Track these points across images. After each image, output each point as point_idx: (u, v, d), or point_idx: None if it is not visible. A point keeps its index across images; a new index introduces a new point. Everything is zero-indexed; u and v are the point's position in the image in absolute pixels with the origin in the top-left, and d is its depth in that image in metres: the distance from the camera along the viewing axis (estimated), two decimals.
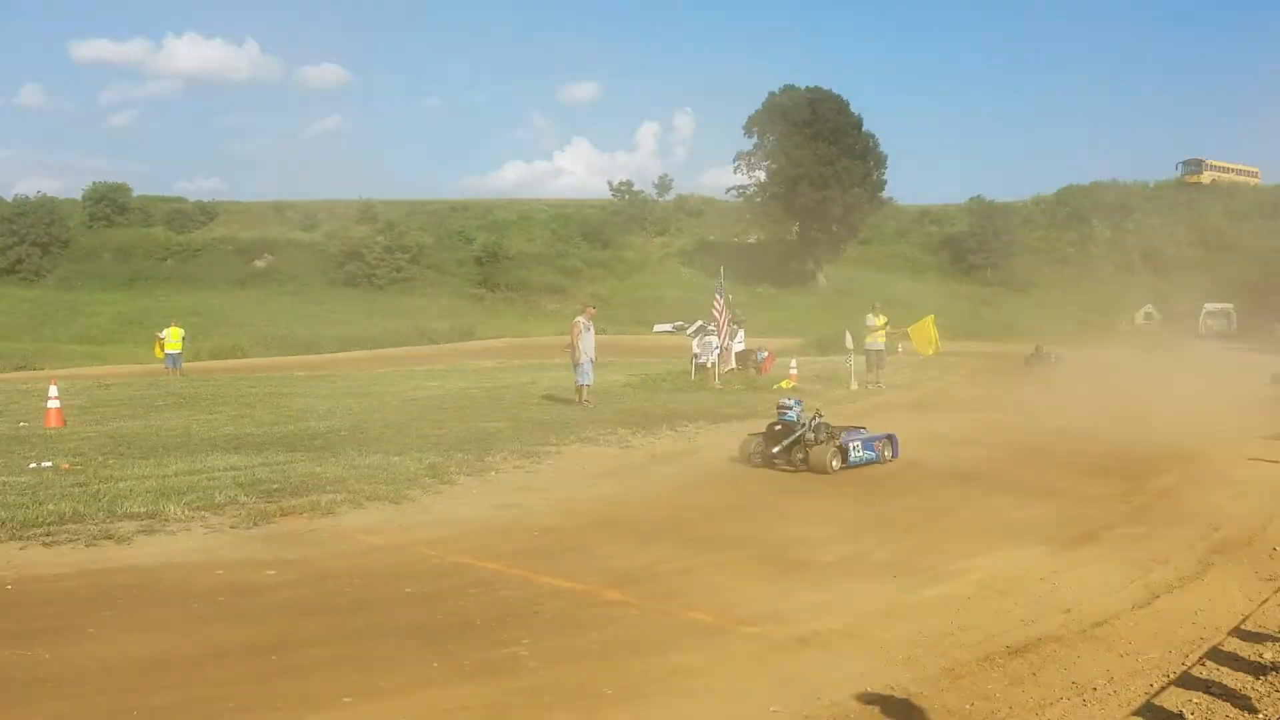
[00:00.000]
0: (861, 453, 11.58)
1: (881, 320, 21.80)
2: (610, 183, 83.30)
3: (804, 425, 11.45)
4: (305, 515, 8.58)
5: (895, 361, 24.81)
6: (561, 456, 11.97)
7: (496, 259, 71.53)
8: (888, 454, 11.90)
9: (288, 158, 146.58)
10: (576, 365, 17.28)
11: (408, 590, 6.52)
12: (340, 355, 41.35)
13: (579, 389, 17.36)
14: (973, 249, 74.17)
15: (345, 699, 4.73)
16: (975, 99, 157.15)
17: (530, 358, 35.39)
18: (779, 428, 11.46)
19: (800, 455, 11.20)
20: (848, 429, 12.08)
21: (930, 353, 23.15)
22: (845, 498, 9.99)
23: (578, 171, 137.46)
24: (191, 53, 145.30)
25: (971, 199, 79.27)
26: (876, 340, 21.69)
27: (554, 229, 79.98)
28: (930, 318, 23.07)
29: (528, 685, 4.96)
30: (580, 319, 17.50)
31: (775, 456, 11.31)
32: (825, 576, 7.05)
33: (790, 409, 11.71)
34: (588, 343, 17.23)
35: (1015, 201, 78.58)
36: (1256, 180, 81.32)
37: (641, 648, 5.49)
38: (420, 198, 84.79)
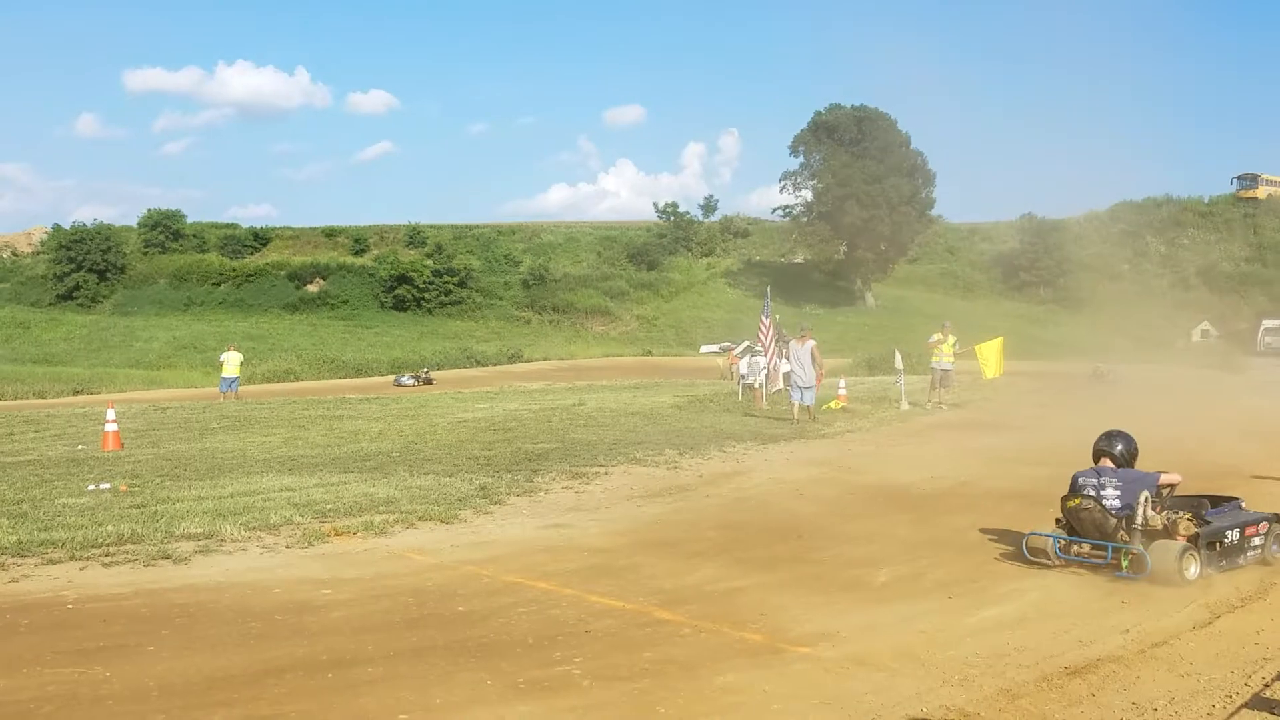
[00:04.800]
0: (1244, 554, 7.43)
1: (951, 340, 21.63)
2: (655, 204, 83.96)
3: (1131, 506, 7.34)
4: (359, 535, 8.67)
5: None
6: (610, 477, 12.00)
7: (543, 281, 72.03)
8: (1274, 547, 7.65)
9: (338, 183, 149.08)
10: (797, 387, 18.34)
11: (460, 609, 6.56)
12: (390, 378, 41.75)
13: (802, 408, 18.21)
14: (1024, 266, 73.55)
15: (401, 716, 4.76)
16: (1025, 115, 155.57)
17: (577, 379, 35.54)
18: (1085, 508, 7.49)
19: (1132, 553, 7.14)
20: (1208, 502, 7.82)
21: (992, 375, 23.15)
22: (899, 516, 9.88)
23: (623, 194, 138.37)
24: (243, 81, 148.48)
25: (1023, 216, 78.65)
26: (943, 360, 21.54)
27: (599, 251, 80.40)
28: (1000, 340, 23.20)
29: (581, 704, 4.96)
30: (793, 342, 18.95)
31: (1089, 555, 7.48)
32: (878, 596, 6.98)
33: (1105, 482, 7.56)
34: (801, 363, 18.27)
35: (1067, 218, 77.68)
36: None
37: (693, 667, 5.46)
38: (468, 221, 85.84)
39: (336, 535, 8.66)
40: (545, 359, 53.66)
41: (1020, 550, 7.75)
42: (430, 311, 68.36)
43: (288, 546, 8.27)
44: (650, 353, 58.36)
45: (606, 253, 79.45)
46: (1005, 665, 5.43)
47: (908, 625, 6.24)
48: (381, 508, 9.66)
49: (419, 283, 68.73)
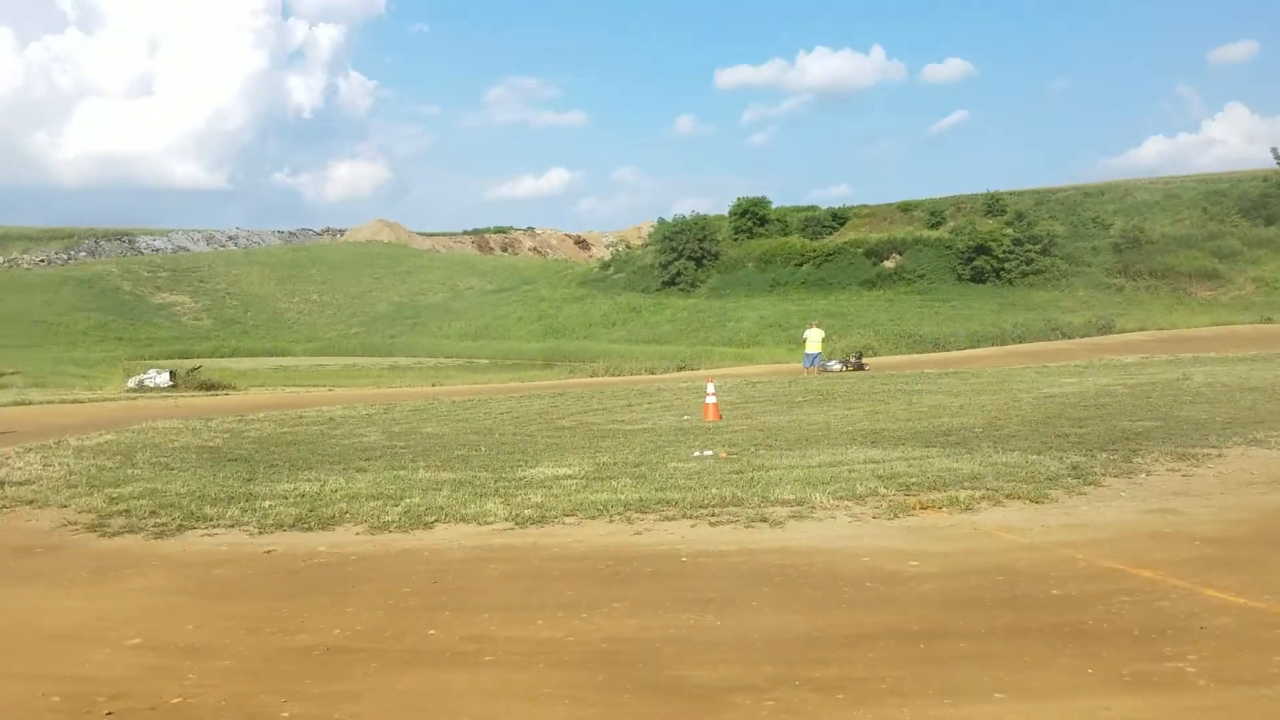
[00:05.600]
0: None
1: None
2: (1275, 150, 72.58)
3: None
4: (944, 510, 8.63)
5: None
6: (1225, 460, 10.70)
7: (1137, 245, 66.10)
8: None
9: (913, 157, 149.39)
10: None
11: (1054, 592, 6.25)
12: (969, 352, 41.04)
13: None
14: None
15: (996, 694, 4.66)
16: None
17: (1180, 351, 32.23)
18: None
19: None
20: None
21: None
22: None
23: (1232, 141, 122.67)
24: (822, 66, 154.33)
25: None
26: None
27: (1205, 207, 71.84)
28: None
29: (1197, 705, 4.49)
30: None
31: None
32: None
33: None
34: None
35: None
36: None
37: None
38: (1050, 185, 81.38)
39: (921, 509, 8.69)
40: (1141, 329, 49.27)
41: None
42: (1010, 282, 65.88)
43: (874, 517, 8.47)
44: (1271, 320, 51.03)
45: (1213, 209, 70.78)
46: None
47: None
48: (966, 483, 9.51)
49: (998, 253, 66.53)
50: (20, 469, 12.49)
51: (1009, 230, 68.67)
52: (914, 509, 8.66)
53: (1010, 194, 78.35)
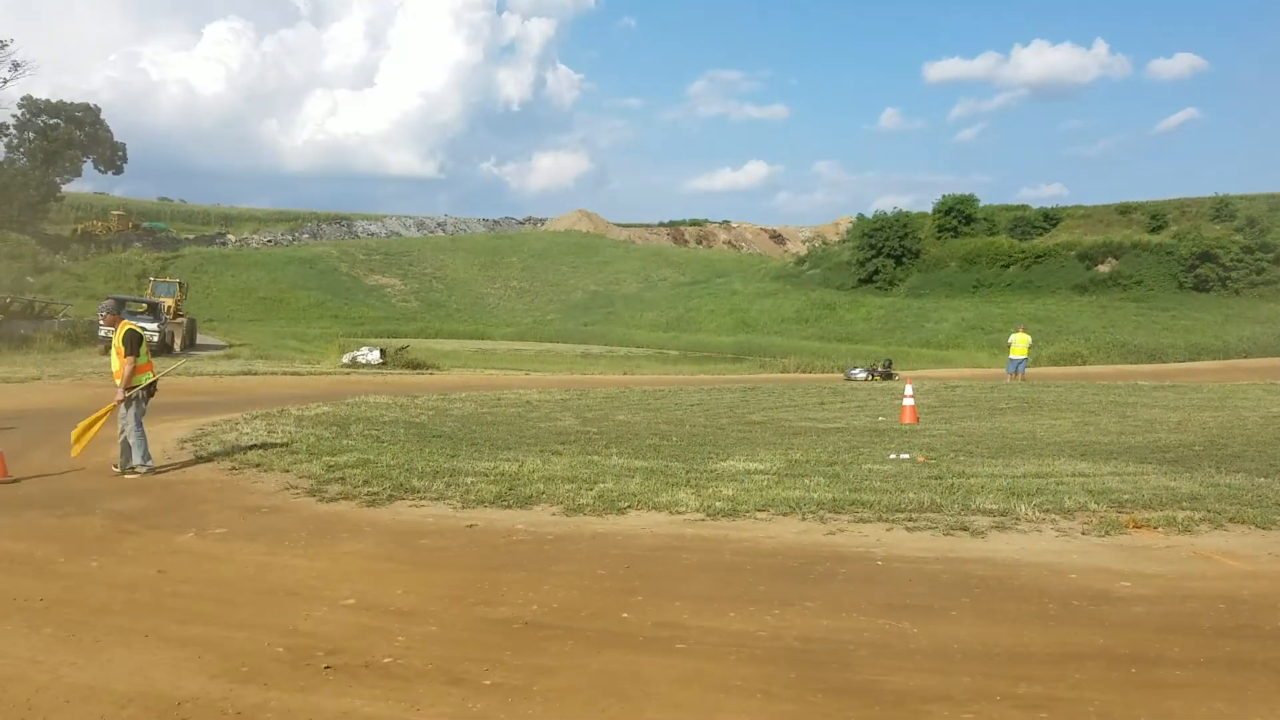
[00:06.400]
0: None
1: None
2: None
3: None
4: (1160, 530, 8.14)
5: None
6: None
7: None
8: None
9: (1133, 156, 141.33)
10: None
11: None
12: (1189, 365, 38.61)
13: None
14: None
15: None
16: None
17: None
18: None
19: None
20: None
21: None
22: None
23: None
24: (1038, 60, 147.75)
25: None
26: None
27: None
28: None
29: None
30: None
31: None
32: None
33: None
34: None
35: None
36: None
37: None
38: None
39: (1135, 527, 8.23)
40: None
41: None
42: (1237, 292, 61.50)
43: (1083, 533, 8.08)
44: None
45: None
46: None
47: None
48: (1185, 504, 8.94)
49: (1225, 260, 62.22)
50: (249, 434, 13.42)
51: (1238, 237, 64.14)
52: (1127, 527, 8.21)
53: (1241, 198, 73.05)
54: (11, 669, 5.17)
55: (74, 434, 11.14)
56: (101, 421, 11.29)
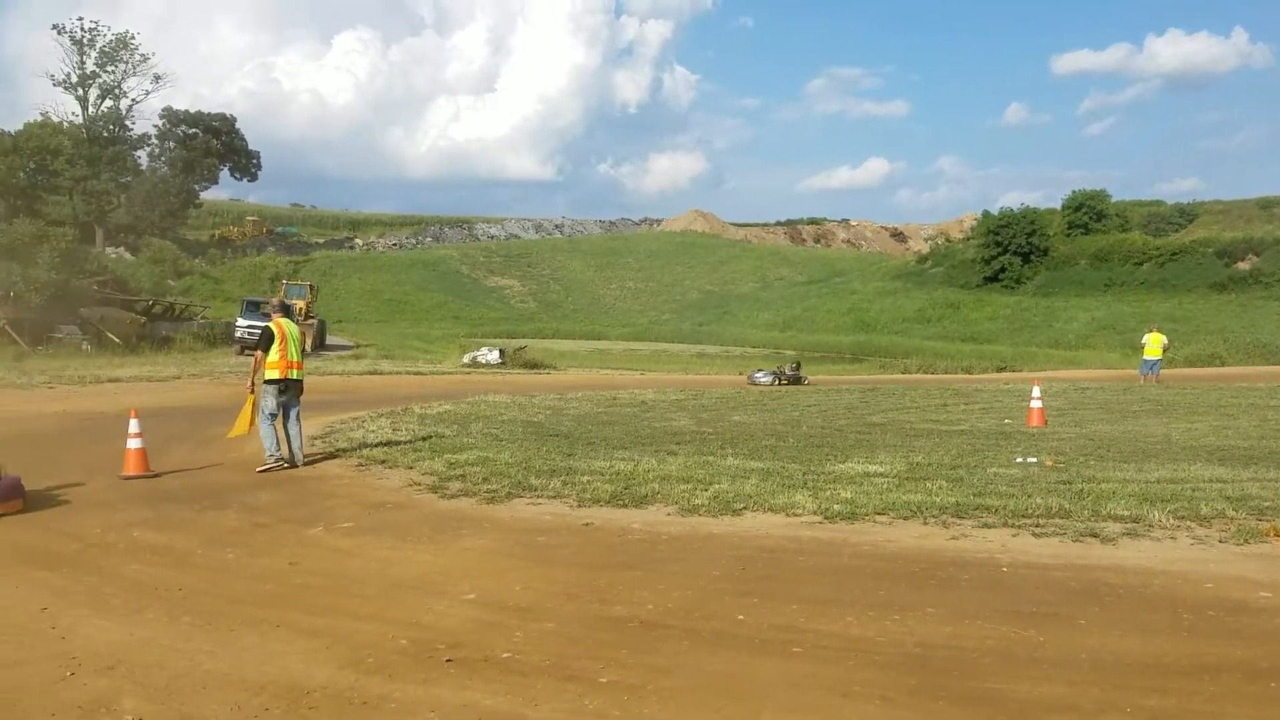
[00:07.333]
0: None
1: None
2: None
3: None
4: None
5: None
6: None
7: None
8: None
9: (1275, 149, 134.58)
10: None
11: None
12: None
13: None
14: None
15: None
16: None
17: None
18: None
19: None
20: None
21: None
22: None
23: None
24: (1173, 50, 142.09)
25: None
26: None
27: None
28: None
29: None
30: None
31: None
32: None
33: None
34: None
35: None
36: None
37: None
38: None
39: (1276, 536, 7.83)
40: None
41: None
42: None
43: (1220, 541, 7.72)
44: None
45: None
46: None
47: None
48: None
49: None
50: (374, 432, 13.81)
51: None
52: (1268, 536, 7.81)
53: None
54: (152, 656, 5.43)
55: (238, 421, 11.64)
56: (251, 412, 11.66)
